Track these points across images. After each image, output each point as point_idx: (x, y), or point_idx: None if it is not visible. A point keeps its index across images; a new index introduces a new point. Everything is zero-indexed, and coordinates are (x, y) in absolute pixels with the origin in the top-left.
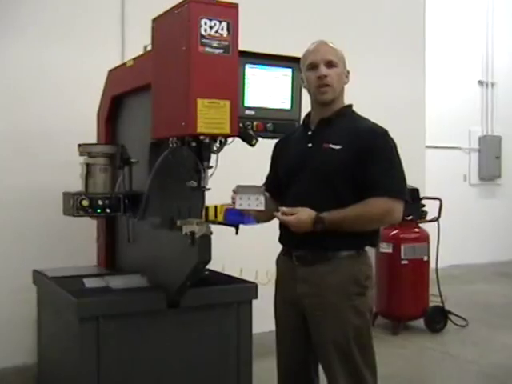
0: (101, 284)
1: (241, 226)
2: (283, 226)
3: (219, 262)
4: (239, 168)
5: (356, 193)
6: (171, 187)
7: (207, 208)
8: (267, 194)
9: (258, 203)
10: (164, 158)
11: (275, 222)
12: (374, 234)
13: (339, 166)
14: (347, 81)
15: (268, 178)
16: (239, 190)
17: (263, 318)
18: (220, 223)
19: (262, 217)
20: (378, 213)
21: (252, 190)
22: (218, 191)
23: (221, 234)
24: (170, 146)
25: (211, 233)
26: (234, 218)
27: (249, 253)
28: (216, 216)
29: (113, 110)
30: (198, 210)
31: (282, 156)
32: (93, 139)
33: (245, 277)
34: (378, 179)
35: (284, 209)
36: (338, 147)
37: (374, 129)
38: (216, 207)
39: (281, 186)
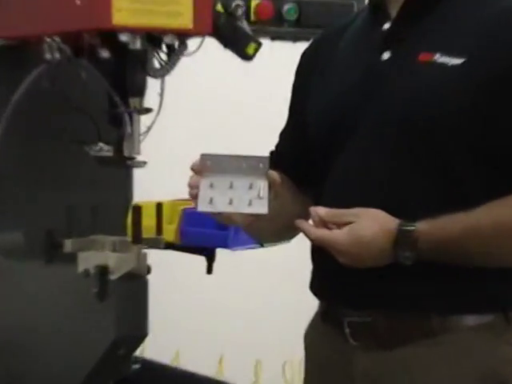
0: None
1: (221, 254)
2: (319, 254)
3: (172, 343)
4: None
5: (493, 178)
6: (48, 158)
7: (139, 208)
8: (276, 175)
9: (253, 198)
10: (29, 89)
11: (298, 245)
12: None
13: (460, 109)
14: None
15: (282, 140)
16: (210, 164)
17: None
18: (174, 247)
19: (265, 230)
20: None
21: (240, 167)
22: (174, 172)
23: (175, 273)
24: (47, 58)
25: (149, 270)
26: (200, 235)
27: (237, 323)
28: (158, 228)
29: None
30: (118, 211)
31: (316, 85)
32: None
33: (229, 375)
34: None
35: (321, 212)
36: (455, 60)
37: None
38: (159, 206)
39: (310, 158)
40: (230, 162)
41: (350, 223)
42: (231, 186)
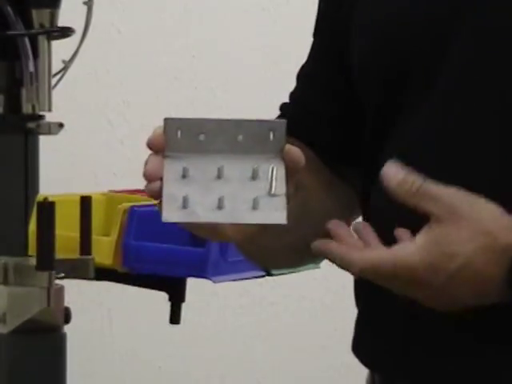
0: None
1: (199, 286)
2: (379, 297)
3: None
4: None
5: None
6: None
7: (45, 206)
8: (299, 153)
9: (259, 196)
10: None
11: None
12: None
13: None
14: None
15: (302, 92)
16: (181, 135)
17: None
18: (111, 275)
19: (273, 249)
20: None
21: (235, 140)
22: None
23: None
24: None
25: (68, 316)
26: (158, 255)
27: None
28: (84, 243)
29: None
30: (13, 211)
31: None
32: None
33: None
34: None
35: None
36: None
37: None
38: (86, 202)
39: (354, 120)
40: (216, 132)
41: (425, 221)
42: (220, 175)
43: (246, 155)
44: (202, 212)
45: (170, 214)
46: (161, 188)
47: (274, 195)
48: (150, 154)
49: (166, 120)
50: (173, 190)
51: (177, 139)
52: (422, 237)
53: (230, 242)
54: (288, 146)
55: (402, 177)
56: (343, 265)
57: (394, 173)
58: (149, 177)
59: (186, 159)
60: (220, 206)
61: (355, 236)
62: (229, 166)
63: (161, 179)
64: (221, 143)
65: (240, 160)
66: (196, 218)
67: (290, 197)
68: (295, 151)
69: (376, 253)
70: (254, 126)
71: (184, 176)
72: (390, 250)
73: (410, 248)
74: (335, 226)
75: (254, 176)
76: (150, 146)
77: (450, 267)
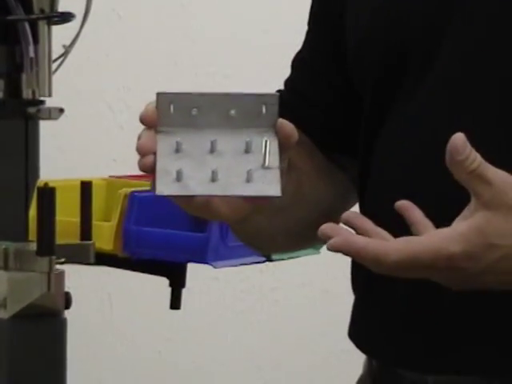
0: None
1: (199, 271)
2: (381, 281)
3: None
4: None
5: None
6: None
7: (45, 191)
8: (292, 127)
9: (253, 169)
10: None
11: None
12: None
13: None
14: None
15: (297, 74)
16: (174, 109)
17: None
18: (112, 261)
19: (268, 230)
20: None
21: (228, 114)
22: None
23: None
24: None
25: (69, 302)
26: (158, 240)
27: None
28: (85, 228)
29: None
30: (13, 196)
31: None
32: None
33: None
34: None
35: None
36: None
37: None
38: (86, 187)
39: (351, 103)
40: (209, 106)
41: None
42: (213, 149)
43: (239, 129)
44: (196, 185)
45: (164, 187)
46: (154, 162)
47: (267, 168)
48: (143, 129)
49: (158, 95)
50: (166, 164)
51: (169, 114)
52: (464, 223)
53: (225, 221)
54: (281, 120)
55: (467, 153)
56: (372, 258)
57: (460, 147)
58: (142, 151)
59: (179, 134)
60: (214, 179)
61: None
62: (222, 139)
63: (154, 154)
64: (214, 117)
65: (233, 134)
66: (189, 191)
67: (283, 172)
68: (288, 125)
69: (415, 244)
70: (246, 99)
71: (177, 150)
72: (428, 240)
73: (451, 236)
74: (354, 217)
75: (248, 149)
76: (142, 121)
77: (489, 257)
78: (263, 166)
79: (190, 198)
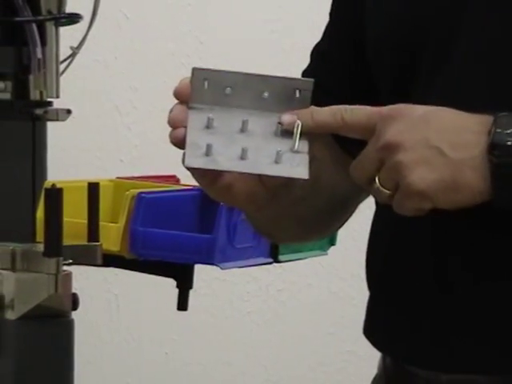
0: None
1: (206, 272)
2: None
3: None
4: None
5: None
6: None
7: (58, 190)
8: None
9: (283, 151)
10: None
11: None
12: None
13: None
14: None
15: (313, 66)
16: (208, 86)
17: None
18: (120, 262)
19: (286, 220)
20: None
21: (260, 96)
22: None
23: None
24: None
25: (76, 303)
26: (165, 241)
27: None
28: (92, 229)
29: None
30: (20, 197)
31: None
32: None
33: None
34: None
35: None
36: None
37: None
38: (93, 188)
39: (367, 92)
40: (242, 86)
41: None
42: (243, 129)
43: (271, 112)
44: (225, 161)
45: (192, 159)
46: (184, 135)
47: (296, 151)
48: (176, 103)
49: (194, 70)
50: (196, 137)
51: (203, 90)
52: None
53: (242, 208)
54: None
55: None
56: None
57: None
58: (173, 124)
59: (211, 111)
60: (243, 157)
61: None
62: (253, 120)
63: (185, 127)
64: (246, 98)
65: (265, 116)
66: (218, 166)
67: (312, 159)
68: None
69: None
70: (280, 82)
71: (208, 126)
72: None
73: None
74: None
75: (278, 132)
76: (176, 95)
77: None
78: (292, 150)
79: (214, 178)
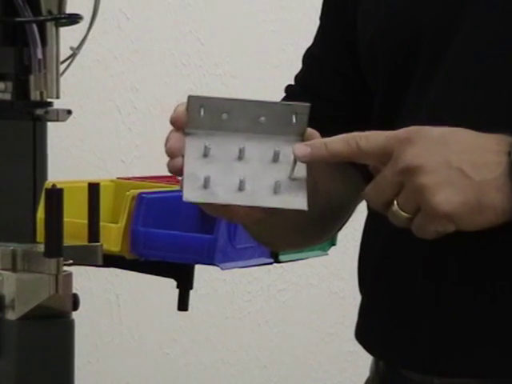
0: None
1: (207, 272)
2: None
3: None
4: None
5: None
6: None
7: (53, 192)
8: (318, 136)
9: (281, 180)
10: None
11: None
12: None
13: None
14: None
15: (307, 70)
16: (204, 113)
17: None
18: (120, 262)
19: (282, 228)
20: None
21: (257, 121)
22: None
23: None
24: None
25: (76, 303)
26: (166, 241)
27: None
28: (92, 229)
29: None
30: (20, 197)
31: None
32: None
33: None
34: None
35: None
36: None
37: None
38: (94, 188)
39: (363, 97)
40: (239, 111)
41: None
42: (241, 156)
43: (268, 137)
44: (223, 193)
45: (191, 193)
46: (182, 165)
47: (294, 179)
48: (172, 131)
49: (190, 97)
50: (194, 168)
51: (199, 117)
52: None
53: (240, 223)
54: (310, 130)
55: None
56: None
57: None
58: (171, 154)
59: (208, 137)
60: (241, 188)
61: None
62: (250, 146)
63: (183, 156)
64: (243, 123)
65: (261, 141)
66: (216, 199)
67: (309, 183)
68: (317, 136)
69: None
70: (277, 108)
71: (205, 155)
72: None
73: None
74: None
75: (275, 158)
76: (172, 122)
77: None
78: (290, 177)
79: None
